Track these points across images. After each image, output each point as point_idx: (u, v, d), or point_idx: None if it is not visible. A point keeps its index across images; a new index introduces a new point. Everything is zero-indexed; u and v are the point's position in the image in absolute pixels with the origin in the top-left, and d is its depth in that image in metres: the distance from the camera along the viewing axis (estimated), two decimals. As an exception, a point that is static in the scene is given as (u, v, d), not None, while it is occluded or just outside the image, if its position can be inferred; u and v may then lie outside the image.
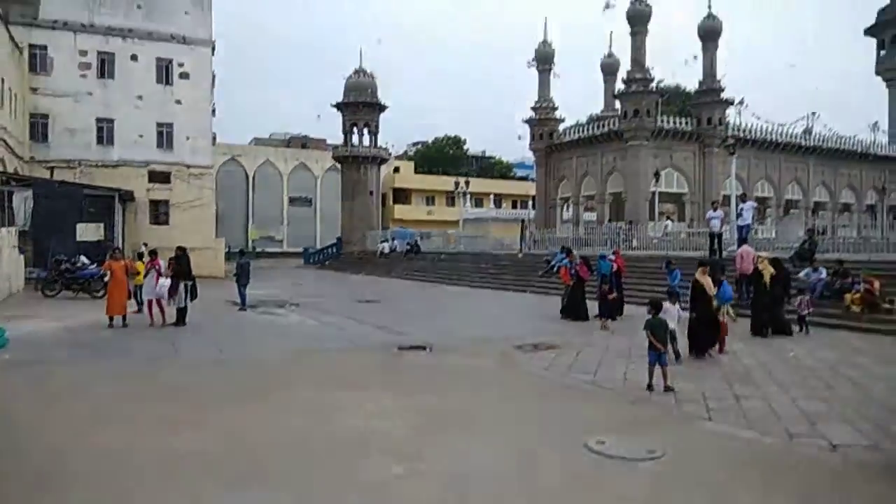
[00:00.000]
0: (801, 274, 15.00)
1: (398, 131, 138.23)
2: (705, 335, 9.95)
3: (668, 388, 7.65)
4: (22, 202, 23.62)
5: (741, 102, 39.85)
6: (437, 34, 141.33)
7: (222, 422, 6.34)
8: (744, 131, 39.34)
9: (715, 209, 20.64)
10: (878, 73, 59.95)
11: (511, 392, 7.91)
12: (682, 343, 9.62)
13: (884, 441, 5.67)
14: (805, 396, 7.49)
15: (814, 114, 43.53)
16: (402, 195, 64.26)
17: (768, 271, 12.03)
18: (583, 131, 42.01)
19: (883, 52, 58.83)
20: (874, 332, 11.70)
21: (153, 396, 7.42)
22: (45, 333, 11.90)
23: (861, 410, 6.88)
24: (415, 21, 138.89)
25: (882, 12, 58.94)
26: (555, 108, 44.23)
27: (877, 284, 13.22)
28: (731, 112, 39.40)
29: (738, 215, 20.24)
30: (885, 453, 5.48)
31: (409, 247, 37.32)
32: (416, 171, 68.44)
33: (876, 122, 48.39)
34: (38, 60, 30.02)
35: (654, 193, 35.88)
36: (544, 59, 44.00)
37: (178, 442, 5.70)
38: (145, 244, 17.89)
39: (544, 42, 43.84)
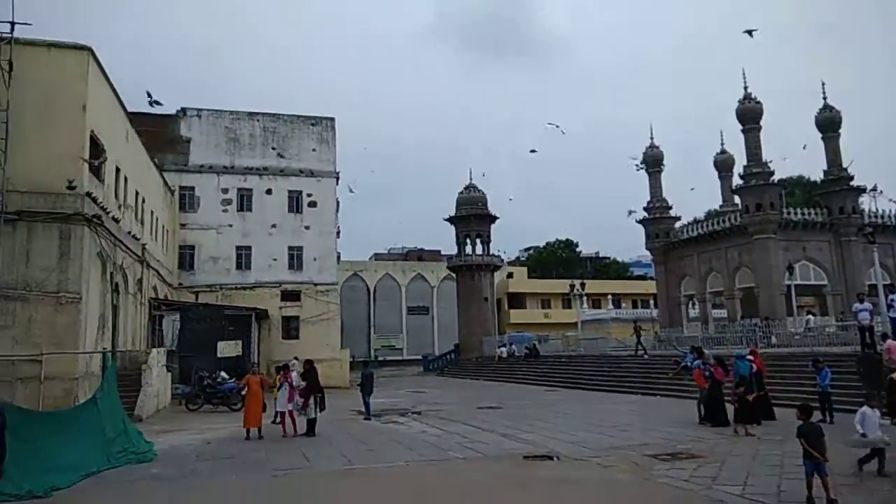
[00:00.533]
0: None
1: (510, 241, 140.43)
2: None
3: (831, 502, 6.82)
4: (170, 325, 26.05)
5: (874, 188, 37.41)
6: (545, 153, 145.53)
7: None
8: (882, 218, 36.56)
9: (862, 301, 18.95)
10: None
11: (650, 506, 7.36)
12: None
13: None
14: None
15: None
16: (516, 300, 64.28)
17: None
18: (702, 228, 40.77)
19: None
20: None
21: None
22: (188, 447, 12.63)
23: None
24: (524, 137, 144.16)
25: None
26: (669, 207, 43.58)
27: None
28: (864, 199, 36.98)
29: (889, 307, 18.43)
30: None
31: (527, 351, 36.82)
32: (530, 276, 68.56)
33: None
34: (186, 200, 34.14)
35: (789, 287, 33.57)
36: (654, 162, 44.05)
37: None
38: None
39: (652, 145, 44.03)
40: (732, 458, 9.81)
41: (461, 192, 49.36)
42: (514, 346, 39.59)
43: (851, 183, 36.16)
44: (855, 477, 8.08)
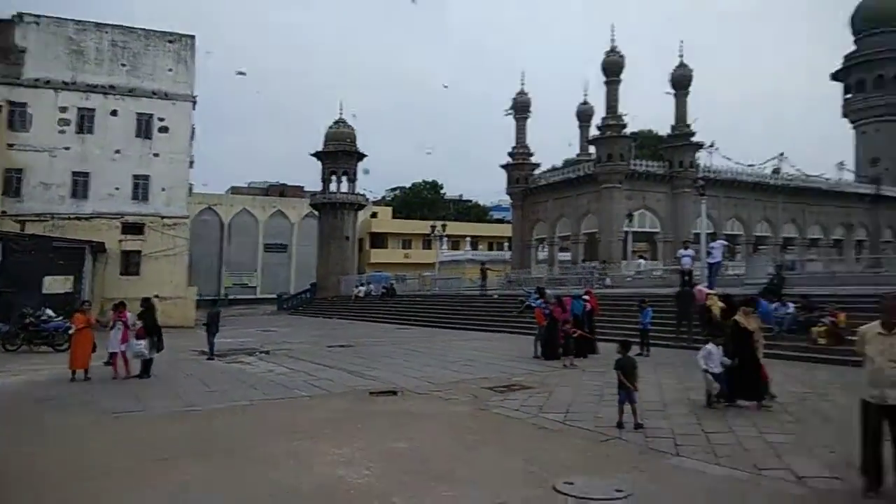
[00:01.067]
0: (770, 308, 15.20)
1: (378, 179, 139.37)
2: (754, 381, 8.84)
3: (638, 426, 7.62)
4: (-12, 256, 23.21)
5: (711, 145, 41.22)
6: (410, 79, 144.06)
7: (184, 477, 6.14)
8: (714, 173, 40.40)
9: (686, 248, 21.01)
10: (844, 115, 62.33)
11: (481, 435, 7.79)
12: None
13: (847, 471, 5.66)
14: (773, 430, 7.50)
15: (782, 154, 45.02)
16: (379, 240, 64.37)
17: (717, 306, 12.33)
18: (558, 175, 42.84)
19: (849, 96, 61.29)
20: (840, 364, 11.81)
21: (113, 452, 7.19)
22: (6, 388, 11.53)
23: (826, 441, 6.90)
24: (396, 67, 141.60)
25: (847, 58, 61.60)
26: (531, 154, 45.20)
27: (842, 317, 13.45)
28: (701, 155, 40.60)
29: (709, 253, 20.63)
30: (848, 483, 5.48)
31: (384, 290, 37.19)
32: (395, 216, 68.75)
33: (842, 162, 50.14)
34: (16, 117, 29.99)
35: (627, 233, 36.46)
36: (521, 108, 45.16)
37: (138, 499, 5.51)
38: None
39: (521, 92, 45.04)
40: (559, 388, 10.63)
41: (330, 127, 47.88)
42: (371, 286, 39.86)
43: (692, 139, 39.43)
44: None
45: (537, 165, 45.77)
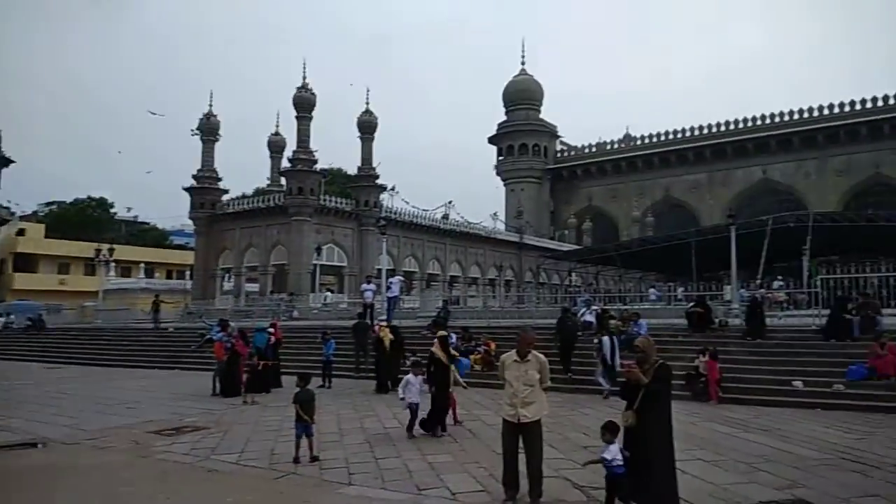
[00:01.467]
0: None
1: (32, 193, 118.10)
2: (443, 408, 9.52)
3: (314, 459, 7.71)
4: None
5: (393, 188, 44.67)
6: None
7: None
8: (395, 213, 43.80)
9: (369, 282, 22.21)
10: (497, 173, 73.38)
11: (139, 486, 7.01)
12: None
13: (493, 484, 6.53)
14: (434, 451, 8.28)
15: (450, 202, 50.91)
16: (26, 262, 54.22)
17: (388, 337, 13.62)
18: (248, 203, 41.71)
19: (501, 158, 72.40)
20: (492, 387, 13.64)
21: None
22: None
23: (479, 459, 7.85)
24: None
25: (500, 126, 72.90)
26: (219, 178, 43.13)
27: (493, 346, 15.69)
28: (385, 196, 43.72)
29: (388, 288, 22.15)
30: (493, 494, 6.31)
31: (29, 322, 31.36)
32: (48, 236, 58.63)
33: (496, 213, 58.84)
34: None
35: (316, 266, 37.16)
36: (210, 130, 42.95)
37: None
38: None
39: (209, 114, 42.87)
40: (237, 426, 10.20)
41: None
42: (12, 317, 33.29)
43: (377, 181, 42.14)
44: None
45: (226, 191, 43.99)
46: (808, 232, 24.97)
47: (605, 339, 13.12)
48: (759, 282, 22.93)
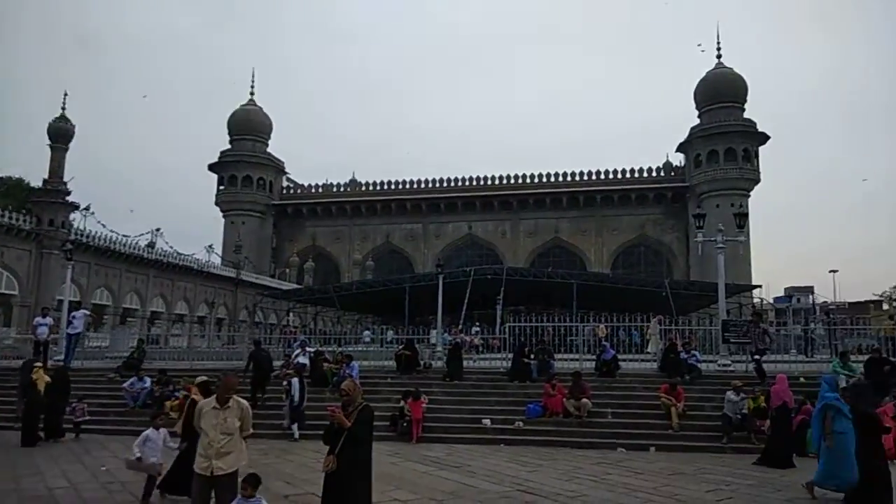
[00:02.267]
0: (126, 384, 14.99)
1: None
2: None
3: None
4: None
5: (87, 208, 39.12)
6: None
7: None
8: (88, 237, 38.37)
9: (45, 316, 18.85)
10: (216, 203, 69.30)
11: None
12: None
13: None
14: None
15: (158, 230, 46.31)
16: None
17: (43, 380, 12.18)
18: None
19: (222, 188, 68.62)
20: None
21: None
22: None
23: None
24: None
25: (223, 154, 69.09)
26: None
27: (195, 391, 14.28)
28: (76, 216, 38.07)
29: (70, 323, 19.04)
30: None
31: None
32: None
33: (211, 245, 55.25)
34: None
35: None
36: None
37: None
38: None
39: None
40: None
41: None
42: None
43: (67, 197, 36.50)
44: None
45: None
46: (503, 284, 28.25)
47: (295, 380, 13.18)
48: (460, 327, 25.04)
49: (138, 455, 7.61)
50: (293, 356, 16.66)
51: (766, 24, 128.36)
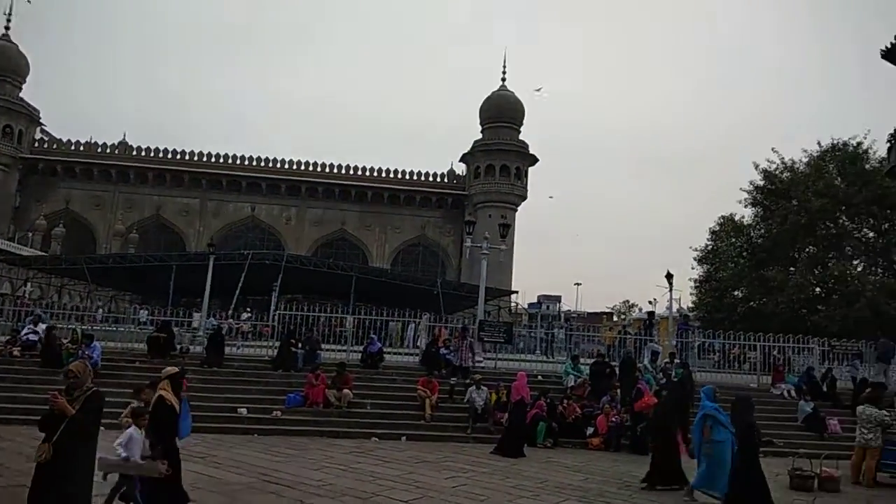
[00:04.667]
0: None
1: None
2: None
3: None
4: None
5: None
6: None
7: None
8: None
9: None
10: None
11: None
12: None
13: None
14: None
15: None
16: None
17: None
18: None
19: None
20: None
21: None
22: None
23: None
24: None
25: None
26: None
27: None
28: None
29: None
30: None
31: None
32: None
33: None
34: None
35: None
36: None
37: None
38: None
39: None
40: None
41: None
42: None
43: None
44: None
45: None
46: (281, 271, 27.57)
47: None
48: (230, 312, 23.97)
49: (123, 455, 6.22)
50: (21, 333, 14.65)
51: (549, 58, 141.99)
